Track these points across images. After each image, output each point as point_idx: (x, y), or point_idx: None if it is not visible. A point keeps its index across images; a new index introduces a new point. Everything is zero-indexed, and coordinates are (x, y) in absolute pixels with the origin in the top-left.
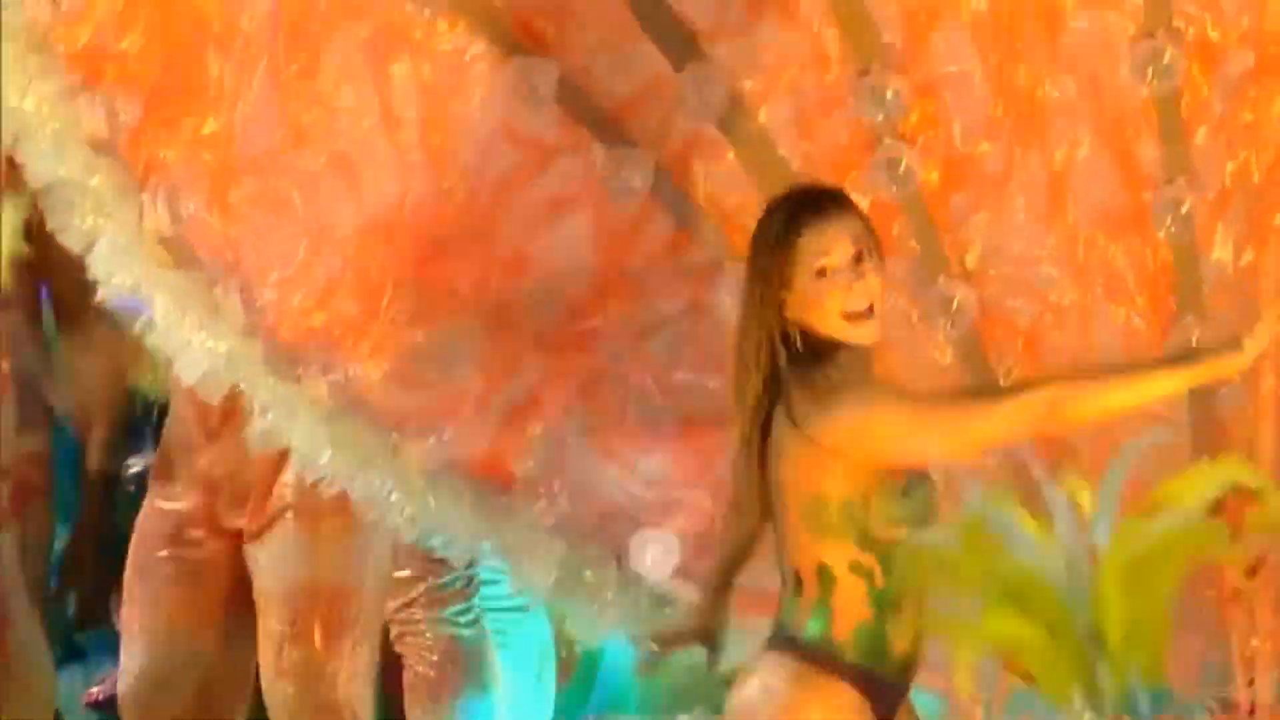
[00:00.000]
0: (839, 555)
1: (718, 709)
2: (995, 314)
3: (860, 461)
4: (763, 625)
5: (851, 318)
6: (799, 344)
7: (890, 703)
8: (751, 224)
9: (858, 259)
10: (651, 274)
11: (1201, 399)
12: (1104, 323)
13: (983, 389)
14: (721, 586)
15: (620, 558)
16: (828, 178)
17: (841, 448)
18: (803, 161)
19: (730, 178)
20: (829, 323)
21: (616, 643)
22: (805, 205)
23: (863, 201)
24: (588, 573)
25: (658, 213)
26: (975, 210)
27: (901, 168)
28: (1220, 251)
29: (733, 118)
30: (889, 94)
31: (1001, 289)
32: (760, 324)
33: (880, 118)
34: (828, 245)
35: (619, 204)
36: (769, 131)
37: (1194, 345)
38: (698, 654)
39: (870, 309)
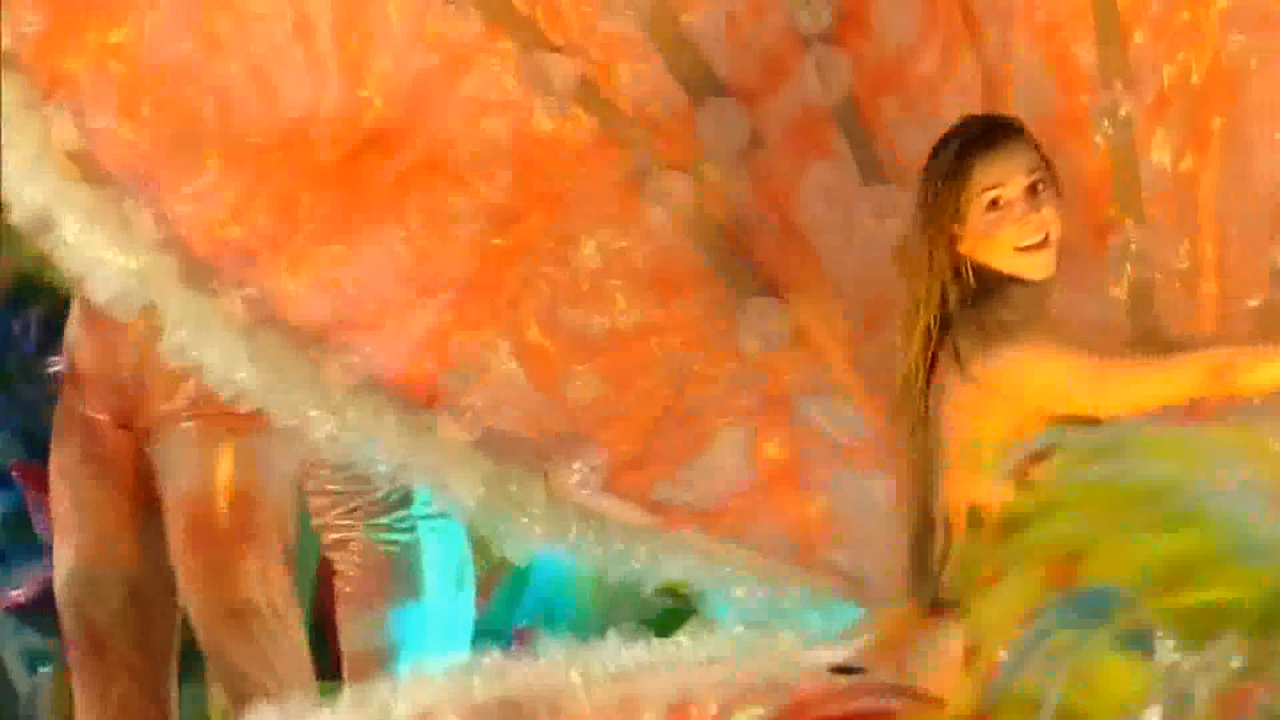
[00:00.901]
0: (992, 497)
1: (650, 623)
2: None
3: (1021, 407)
4: (688, 539)
5: (1026, 250)
6: (971, 281)
7: None
8: (679, 130)
9: (1032, 190)
10: (575, 181)
11: (1140, 308)
12: None
13: (1153, 347)
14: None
15: (547, 474)
16: (755, 83)
17: (1004, 390)
18: (729, 66)
19: (656, 83)
20: (1003, 257)
21: (547, 557)
22: (977, 136)
23: (792, 107)
24: (513, 489)
25: (580, 118)
26: (910, 114)
27: (832, 72)
28: (1159, 156)
29: (658, 21)
30: None
31: None
32: (933, 261)
33: (809, 21)
34: (1001, 176)
35: (540, 109)
36: (695, 35)
37: None
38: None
39: (1046, 240)
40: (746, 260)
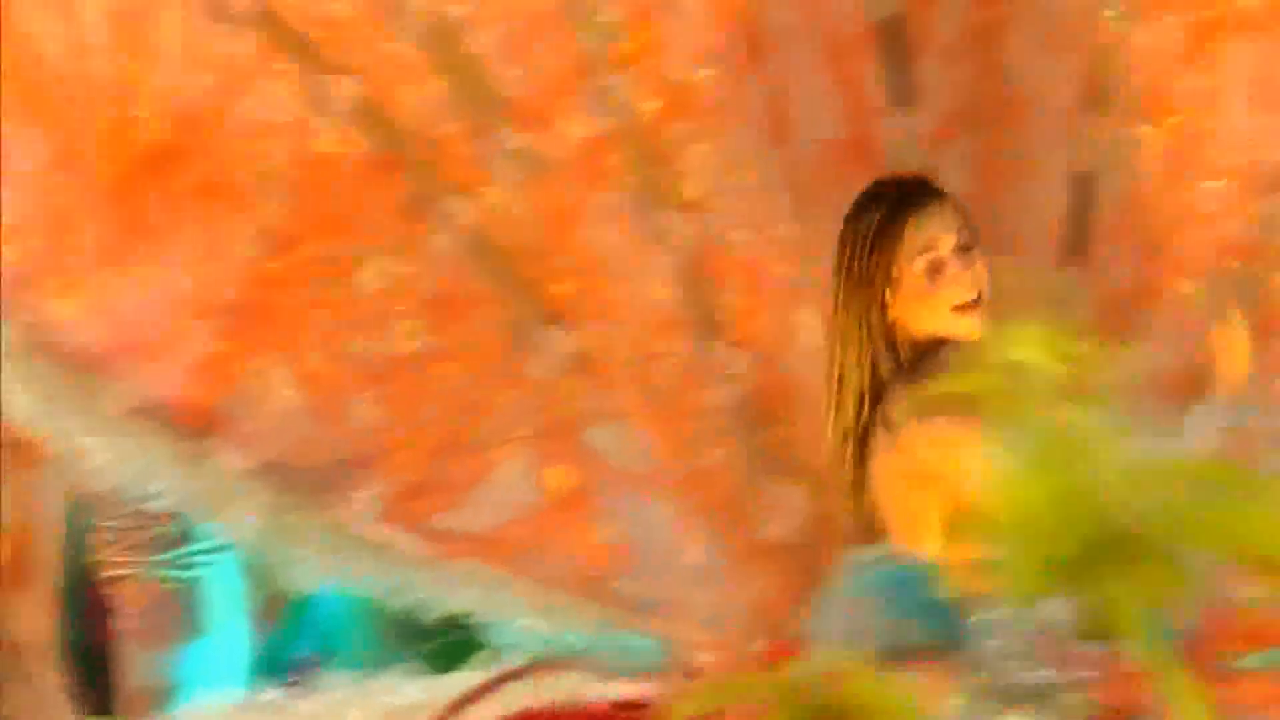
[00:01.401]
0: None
1: (434, 656)
2: (716, 246)
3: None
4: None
5: (962, 309)
6: (903, 350)
7: None
8: (462, 153)
9: (963, 248)
10: (355, 205)
11: None
12: (831, 255)
13: None
14: None
15: (327, 503)
16: (540, 106)
17: (933, 461)
18: (514, 88)
19: (439, 105)
20: (937, 319)
21: (329, 588)
22: (904, 197)
23: (576, 131)
24: (293, 519)
25: (360, 141)
26: (695, 139)
27: (617, 96)
28: (945, 180)
29: (441, 43)
30: (602, 19)
31: (722, 221)
32: (864, 329)
33: (594, 44)
34: (934, 236)
35: (319, 131)
36: (478, 57)
37: None
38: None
39: (979, 298)
40: (531, 286)
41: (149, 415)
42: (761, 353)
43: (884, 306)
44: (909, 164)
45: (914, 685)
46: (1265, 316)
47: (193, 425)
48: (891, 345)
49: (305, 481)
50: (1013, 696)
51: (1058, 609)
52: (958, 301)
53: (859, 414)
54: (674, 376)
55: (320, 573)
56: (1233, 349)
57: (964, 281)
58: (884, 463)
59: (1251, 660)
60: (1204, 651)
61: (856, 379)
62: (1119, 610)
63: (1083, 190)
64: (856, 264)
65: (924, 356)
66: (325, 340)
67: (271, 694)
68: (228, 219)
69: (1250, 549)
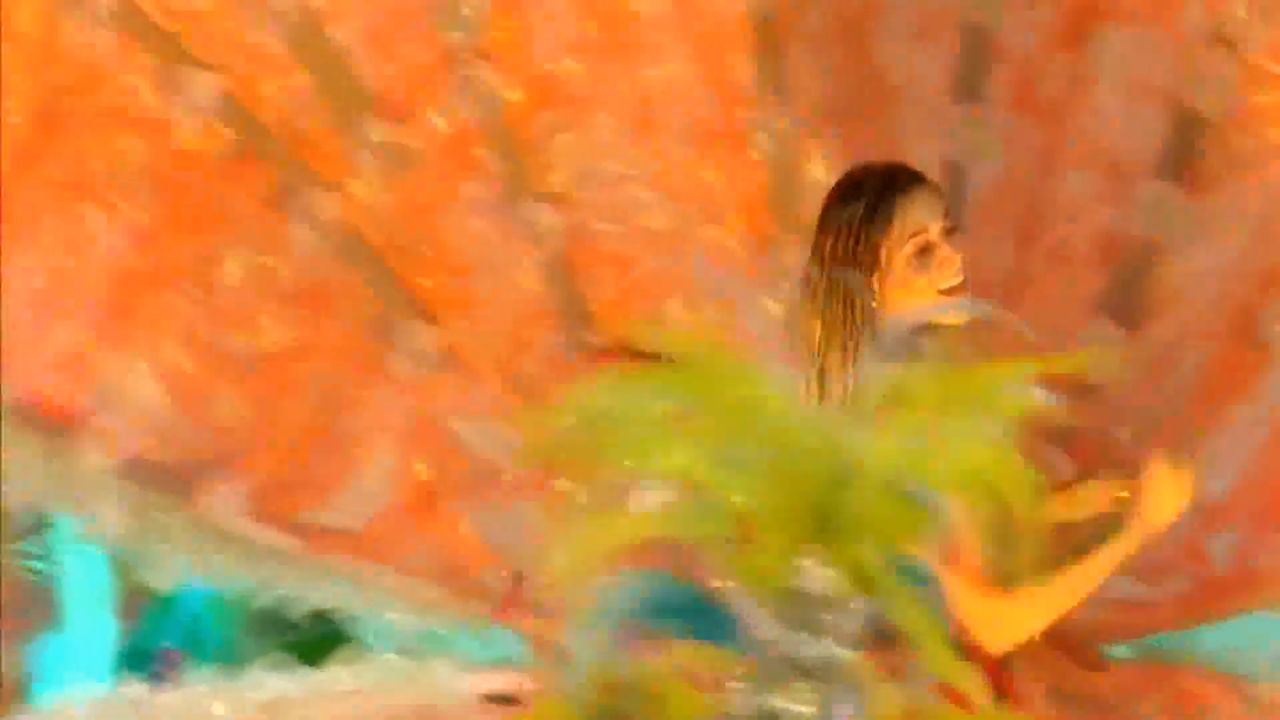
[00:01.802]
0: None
1: (300, 651)
2: (583, 238)
3: None
4: (336, 563)
5: (951, 293)
6: (889, 339)
7: None
8: (326, 146)
9: (949, 232)
10: (217, 199)
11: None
12: (698, 246)
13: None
14: None
15: (191, 499)
16: (405, 98)
17: None
18: (378, 81)
19: (302, 98)
20: (920, 306)
21: (193, 584)
22: (888, 183)
23: (442, 123)
24: (157, 514)
25: (222, 134)
26: (561, 130)
27: (482, 87)
28: (817, 171)
29: (304, 36)
30: (466, 10)
31: (590, 212)
32: (849, 320)
33: (459, 35)
34: (924, 220)
35: (180, 125)
36: (342, 50)
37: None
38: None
39: (965, 282)
40: (397, 280)
41: (13, 410)
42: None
43: (872, 293)
44: (777, 154)
45: (695, 675)
46: None
47: (56, 421)
48: (874, 334)
49: (168, 477)
50: (789, 671)
51: (815, 578)
52: (947, 285)
53: (844, 400)
54: (543, 368)
55: (185, 567)
56: None
57: (954, 264)
58: None
59: (1121, 650)
60: (1077, 641)
61: (840, 368)
62: (865, 565)
63: (954, 180)
64: (842, 250)
65: (901, 346)
66: (188, 336)
67: (135, 688)
68: (87, 215)
69: (956, 475)
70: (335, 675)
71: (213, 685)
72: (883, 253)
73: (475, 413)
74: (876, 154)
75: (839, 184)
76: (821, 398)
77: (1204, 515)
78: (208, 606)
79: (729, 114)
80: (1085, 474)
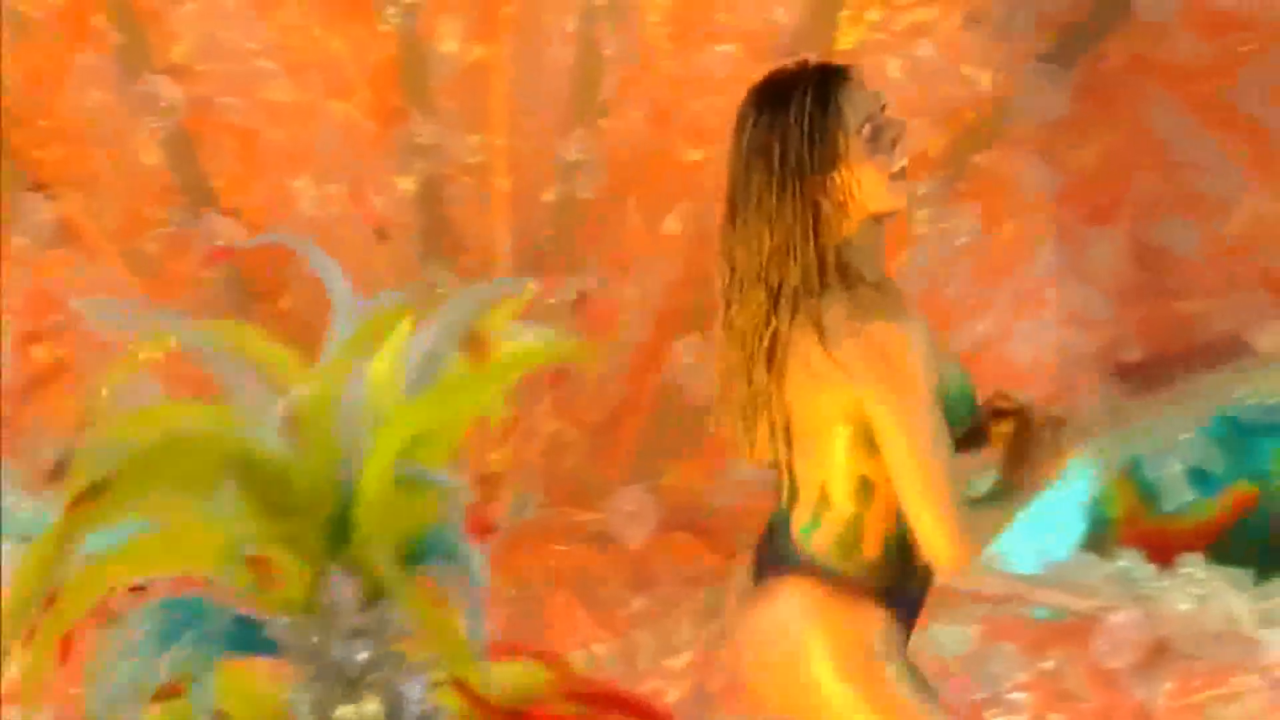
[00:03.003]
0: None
1: None
2: (206, 112)
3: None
4: None
5: (896, 177)
6: (840, 251)
7: (912, 618)
8: None
9: (884, 109)
10: None
11: (430, 203)
12: (324, 120)
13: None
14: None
15: None
16: None
17: (854, 371)
18: None
19: None
20: (877, 190)
21: None
22: (828, 73)
23: None
24: None
25: None
26: (183, 1)
27: None
28: (448, 44)
29: None
30: None
31: (213, 85)
32: (804, 221)
33: None
34: (871, 100)
35: None
36: None
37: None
38: None
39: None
40: (12, 151)
41: None
42: (255, 222)
43: (829, 188)
44: (406, 27)
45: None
46: None
47: None
48: (831, 240)
49: None
50: (344, 677)
51: (344, 587)
52: (895, 168)
53: (772, 314)
54: (164, 246)
55: None
56: None
57: (902, 141)
58: (804, 369)
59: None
60: None
61: (778, 275)
62: (377, 567)
63: (588, 53)
64: (793, 152)
65: (855, 256)
66: None
67: None
68: None
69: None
70: None
71: None
72: (841, 144)
73: (97, 291)
74: (513, 30)
75: (759, 93)
76: (739, 304)
77: None
78: None
79: None
80: None
